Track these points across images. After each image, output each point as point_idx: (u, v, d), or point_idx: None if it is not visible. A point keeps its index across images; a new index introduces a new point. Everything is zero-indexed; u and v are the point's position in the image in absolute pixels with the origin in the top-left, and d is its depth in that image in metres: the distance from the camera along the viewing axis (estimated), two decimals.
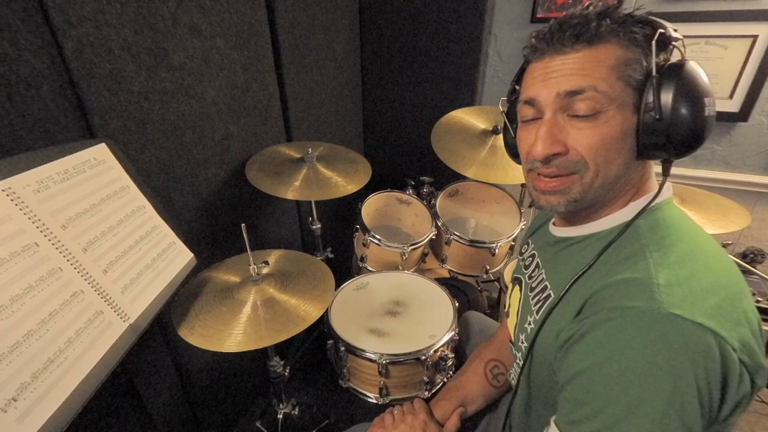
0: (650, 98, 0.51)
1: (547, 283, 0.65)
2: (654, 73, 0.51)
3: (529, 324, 0.66)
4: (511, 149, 0.73)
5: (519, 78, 0.65)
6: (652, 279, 0.47)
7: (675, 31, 0.52)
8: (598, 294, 0.51)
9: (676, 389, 0.43)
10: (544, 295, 0.64)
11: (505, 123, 0.73)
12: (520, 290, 0.74)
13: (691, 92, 0.50)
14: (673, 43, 0.52)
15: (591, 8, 0.54)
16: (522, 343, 0.68)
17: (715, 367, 0.43)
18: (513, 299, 0.77)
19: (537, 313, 0.64)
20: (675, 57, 0.53)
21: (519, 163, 0.66)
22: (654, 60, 0.50)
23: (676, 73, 0.50)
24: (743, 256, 1.63)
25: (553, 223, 0.69)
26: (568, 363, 0.52)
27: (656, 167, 0.59)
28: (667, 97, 0.50)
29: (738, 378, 0.44)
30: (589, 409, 0.48)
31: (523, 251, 0.80)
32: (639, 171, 0.57)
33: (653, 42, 0.50)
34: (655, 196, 0.55)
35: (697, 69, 0.51)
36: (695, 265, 0.49)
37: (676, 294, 0.46)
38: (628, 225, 0.54)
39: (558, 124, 0.54)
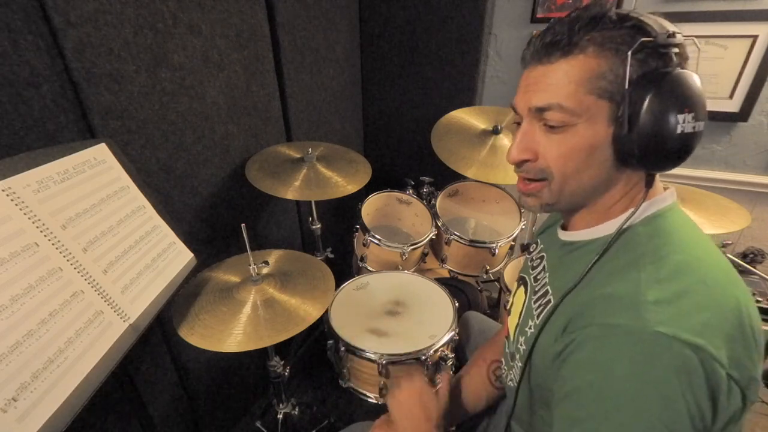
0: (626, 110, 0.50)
1: (548, 287, 0.65)
2: (626, 86, 0.49)
3: (530, 328, 0.66)
4: None
5: None
6: (641, 296, 0.47)
7: (672, 35, 0.48)
8: (587, 306, 0.51)
9: (665, 407, 0.43)
10: (545, 300, 0.64)
11: None
12: (525, 291, 0.74)
13: (662, 108, 0.48)
14: (661, 50, 0.48)
15: (580, 12, 0.52)
16: (521, 345, 0.68)
17: (700, 382, 0.43)
18: (517, 299, 0.77)
19: (537, 318, 0.64)
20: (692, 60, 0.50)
21: None
22: (628, 72, 0.48)
23: (651, 86, 0.48)
24: (743, 256, 1.63)
25: (561, 226, 0.69)
26: (562, 379, 0.52)
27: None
28: (636, 112, 0.48)
29: (726, 393, 0.44)
30: (584, 427, 0.48)
31: (531, 250, 0.79)
32: (630, 178, 0.56)
33: (629, 53, 0.48)
34: (636, 209, 0.54)
35: (681, 81, 0.48)
36: (689, 279, 0.49)
37: (664, 312, 0.45)
38: (611, 244, 0.54)
39: (532, 132, 0.56)
